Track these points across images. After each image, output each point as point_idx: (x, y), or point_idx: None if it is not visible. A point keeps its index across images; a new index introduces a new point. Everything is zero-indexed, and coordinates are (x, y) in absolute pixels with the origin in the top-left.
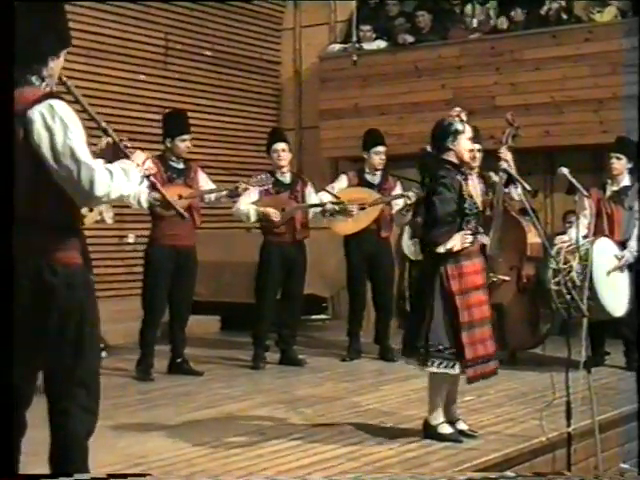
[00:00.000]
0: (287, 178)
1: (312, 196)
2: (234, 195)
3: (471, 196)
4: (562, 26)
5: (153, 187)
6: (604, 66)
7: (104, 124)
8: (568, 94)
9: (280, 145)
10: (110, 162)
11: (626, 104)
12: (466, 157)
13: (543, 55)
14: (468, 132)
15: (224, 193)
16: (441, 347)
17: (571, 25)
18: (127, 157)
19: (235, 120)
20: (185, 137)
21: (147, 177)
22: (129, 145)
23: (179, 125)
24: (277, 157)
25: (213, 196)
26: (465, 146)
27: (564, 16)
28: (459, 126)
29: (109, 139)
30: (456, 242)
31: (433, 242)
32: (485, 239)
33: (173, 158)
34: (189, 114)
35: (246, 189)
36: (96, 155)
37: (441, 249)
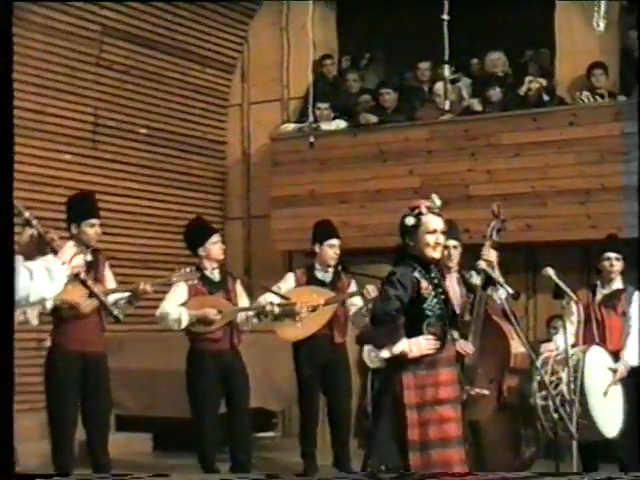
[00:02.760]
0: (217, 275)
1: (243, 296)
2: (135, 298)
3: (438, 295)
4: (543, 108)
5: (83, 284)
6: (591, 153)
7: (28, 214)
8: (551, 184)
9: (216, 237)
10: (34, 257)
11: (616, 196)
12: (428, 254)
13: (522, 140)
14: (427, 225)
15: (125, 295)
16: (383, 468)
17: (553, 107)
18: (55, 252)
19: (173, 207)
20: (94, 222)
21: (76, 275)
22: (56, 238)
23: (86, 208)
24: (216, 251)
25: (112, 298)
26: (424, 241)
27: (545, 97)
28: (411, 220)
29: (33, 231)
30: (410, 347)
31: (371, 344)
32: (469, 347)
33: (81, 247)
34: (120, 199)
35: (145, 291)
36: (18, 249)
37: (385, 353)
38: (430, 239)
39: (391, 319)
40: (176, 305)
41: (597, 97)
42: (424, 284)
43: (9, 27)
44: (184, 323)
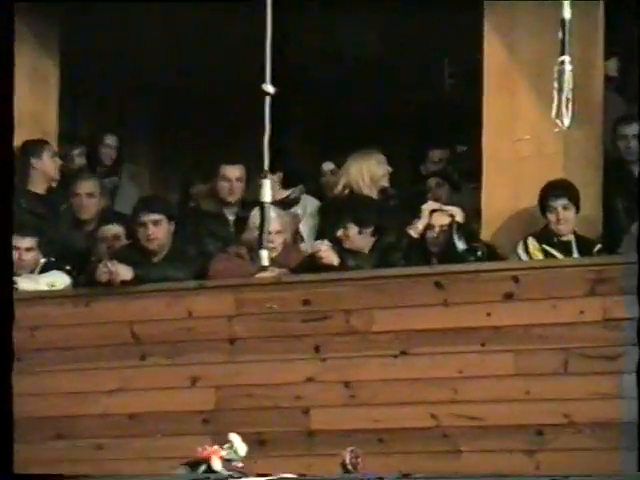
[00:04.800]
0: None
1: None
2: None
3: None
4: (455, 265)
5: None
6: (546, 355)
7: None
8: (470, 413)
9: None
10: None
11: (596, 442)
12: None
13: (418, 325)
14: None
15: None
16: None
17: (475, 264)
18: None
19: None
20: None
21: None
22: None
23: None
24: None
25: None
26: None
27: (460, 244)
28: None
29: None
30: None
31: None
32: None
33: None
34: None
35: None
36: None
37: None
38: None
39: None
40: None
41: (555, 250)
42: None
43: (11, 26)
44: None
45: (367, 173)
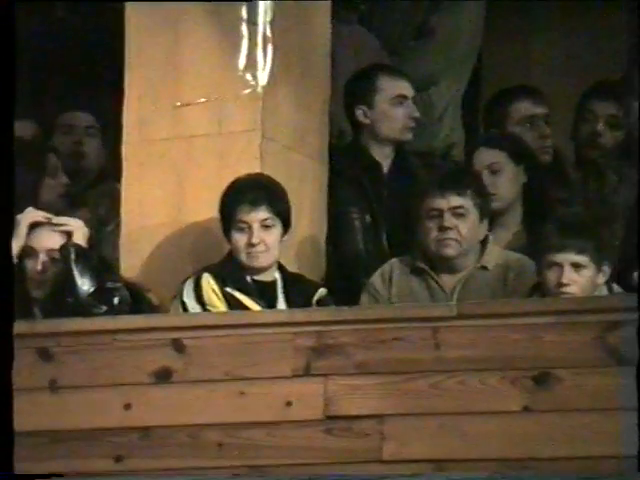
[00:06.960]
0: None
1: None
2: None
3: None
4: (76, 320)
5: None
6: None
7: None
8: None
9: None
10: None
11: None
12: None
13: None
14: None
15: None
16: None
17: (110, 319)
18: None
19: None
20: None
21: None
22: None
23: None
24: None
25: None
26: None
27: (83, 283)
28: None
29: None
30: None
31: None
32: None
33: None
34: None
35: None
36: None
37: None
38: None
39: None
40: None
41: (248, 296)
42: None
43: (12, 25)
44: None
45: None
